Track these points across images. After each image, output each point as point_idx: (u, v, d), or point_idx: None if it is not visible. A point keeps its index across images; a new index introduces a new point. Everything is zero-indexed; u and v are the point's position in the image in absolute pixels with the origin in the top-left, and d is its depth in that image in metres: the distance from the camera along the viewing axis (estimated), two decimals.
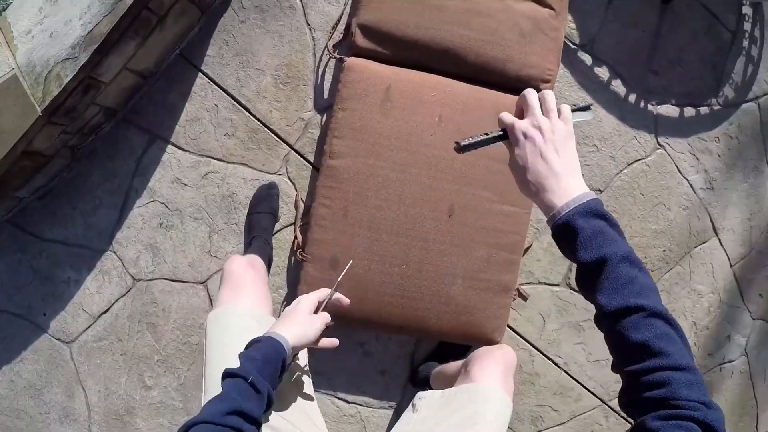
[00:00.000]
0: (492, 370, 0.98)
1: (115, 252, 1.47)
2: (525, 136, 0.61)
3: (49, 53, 1.18)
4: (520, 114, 0.65)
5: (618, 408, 1.65)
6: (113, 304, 1.48)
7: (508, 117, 0.64)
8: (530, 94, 0.63)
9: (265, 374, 0.66)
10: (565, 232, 0.58)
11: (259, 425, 0.64)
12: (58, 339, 1.48)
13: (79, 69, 1.17)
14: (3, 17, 1.25)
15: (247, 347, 0.72)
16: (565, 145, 0.61)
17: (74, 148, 1.44)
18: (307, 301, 0.80)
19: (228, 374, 0.66)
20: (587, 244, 0.56)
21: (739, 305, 1.74)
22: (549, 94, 0.63)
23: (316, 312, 0.81)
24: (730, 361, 1.76)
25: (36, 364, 1.49)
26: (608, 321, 0.55)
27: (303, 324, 0.77)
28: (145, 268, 1.47)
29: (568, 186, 0.58)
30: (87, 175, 1.45)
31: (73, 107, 1.28)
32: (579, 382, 1.60)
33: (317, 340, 0.80)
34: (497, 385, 0.94)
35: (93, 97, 1.32)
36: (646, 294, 0.54)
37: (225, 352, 0.84)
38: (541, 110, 0.62)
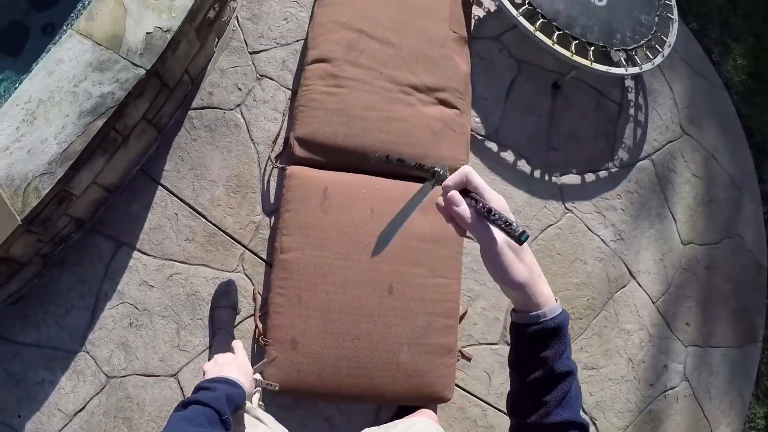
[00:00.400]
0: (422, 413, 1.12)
1: (88, 352, 1.53)
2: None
3: (27, 168, 1.30)
4: (458, 186, 0.56)
5: None
6: (88, 402, 1.52)
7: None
8: (473, 174, 0.56)
9: (227, 412, 0.74)
10: (550, 335, 0.55)
11: None
12: None
13: (56, 182, 1.30)
14: None
15: (203, 388, 0.78)
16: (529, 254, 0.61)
17: (46, 255, 1.54)
18: (240, 350, 0.94)
19: (200, 402, 0.71)
20: (565, 355, 0.55)
21: (669, 336, 1.92)
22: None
23: None
24: (673, 388, 1.92)
25: None
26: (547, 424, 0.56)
27: (246, 371, 0.90)
28: (118, 365, 1.56)
29: (546, 288, 0.56)
30: (58, 280, 1.54)
31: (48, 217, 1.39)
32: None
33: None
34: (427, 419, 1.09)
35: (65, 209, 1.44)
36: (579, 407, 0.57)
37: None
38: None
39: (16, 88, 1.42)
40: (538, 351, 0.55)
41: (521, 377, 0.58)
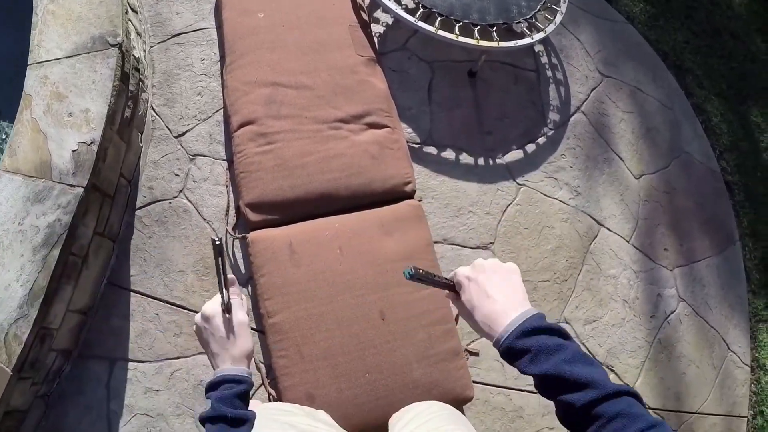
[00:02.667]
0: None
1: None
2: (469, 279, 0.67)
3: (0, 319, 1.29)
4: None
5: None
6: None
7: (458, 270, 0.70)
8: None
9: (238, 406, 0.68)
10: (512, 354, 0.61)
11: None
12: None
13: (33, 323, 1.29)
14: None
15: (213, 388, 0.71)
16: (509, 280, 0.66)
17: (45, 395, 1.52)
18: (214, 318, 0.74)
19: (208, 419, 0.66)
20: (537, 360, 0.59)
21: (652, 267, 2.00)
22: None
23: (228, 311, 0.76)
24: (673, 312, 2.00)
25: None
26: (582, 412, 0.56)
27: (241, 341, 0.74)
28: None
29: (511, 317, 0.62)
30: (65, 416, 1.52)
31: (35, 359, 1.37)
32: None
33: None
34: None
35: (50, 345, 1.43)
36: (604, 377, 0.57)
37: None
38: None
39: None
40: (521, 368, 0.61)
41: (551, 397, 0.61)
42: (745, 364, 2.11)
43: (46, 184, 1.40)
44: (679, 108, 2.28)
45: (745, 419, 2.07)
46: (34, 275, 1.34)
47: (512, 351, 0.60)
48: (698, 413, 1.96)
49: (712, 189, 2.23)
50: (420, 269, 0.66)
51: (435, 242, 1.67)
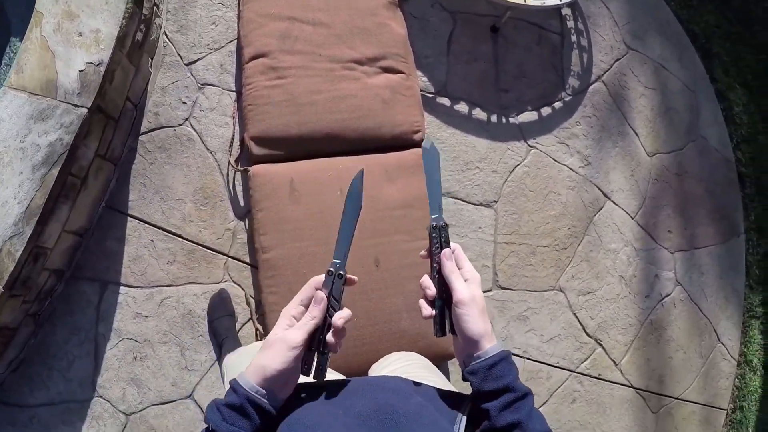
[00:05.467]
0: None
1: (101, 396, 1.54)
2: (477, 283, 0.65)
3: None
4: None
5: (588, 371, 1.84)
6: None
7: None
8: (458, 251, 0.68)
9: (230, 417, 0.59)
10: (492, 372, 0.60)
11: None
12: None
13: (27, 241, 1.28)
14: None
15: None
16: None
17: (35, 314, 1.53)
18: (284, 317, 0.65)
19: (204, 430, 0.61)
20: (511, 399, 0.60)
21: (654, 246, 1.98)
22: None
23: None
24: (668, 295, 1.99)
25: None
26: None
27: (266, 354, 0.62)
28: (133, 401, 1.57)
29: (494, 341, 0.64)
30: (53, 335, 1.54)
31: (28, 277, 1.38)
32: (543, 363, 1.78)
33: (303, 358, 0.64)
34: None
35: (42, 264, 1.43)
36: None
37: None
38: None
39: None
40: (495, 380, 0.60)
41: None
42: (732, 357, 2.11)
43: (50, 102, 1.37)
44: (702, 92, 2.21)
45: (725, 412, 2.08)
46: (31, 193, 1.32)
47: (494, 369, 0.61)
48: (679, 399, 1.98)
49: (724, 178, 2.18)
50: (436, 332, 0.66)
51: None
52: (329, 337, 0.64)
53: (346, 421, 0.59)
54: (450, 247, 0.67)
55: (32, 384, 1.53)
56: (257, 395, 0.60)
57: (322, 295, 0.65)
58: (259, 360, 0.62)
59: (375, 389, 0.67)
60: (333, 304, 0.66)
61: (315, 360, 0.64)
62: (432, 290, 0.67)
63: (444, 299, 0.66)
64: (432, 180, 0.71)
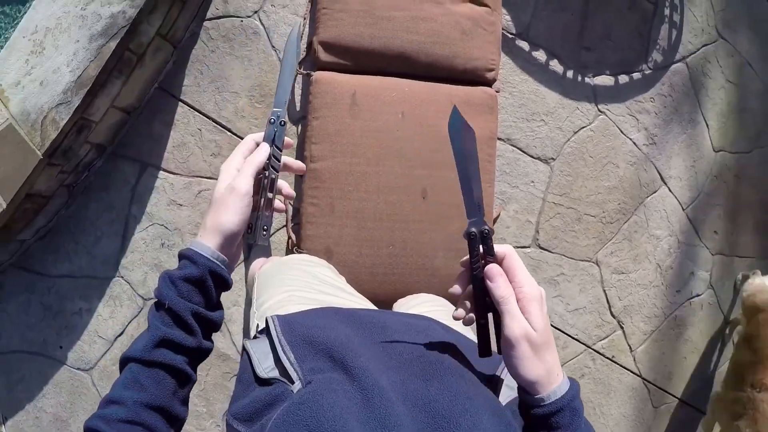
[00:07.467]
0: None
1: (122, 277, 1.55)
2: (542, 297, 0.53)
3: (41, 100, 1.27)
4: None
5: (603, 350, 1.82)
6: (127, 325, 1.55)
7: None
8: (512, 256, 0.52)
9: (187, 293, 0.54)
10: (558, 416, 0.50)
11: (193, 352, 0.55)
12: (78, 368, 1.54)
13: (74, 112, 1.27)
14: None
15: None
16: None
17: (70, 186, 1.53)
18: (225, 172, 0.58)
19: (154, 303, 0.55)
20: None
21: (697, 243, 1.92)
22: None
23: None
24: (698, 295, 1.94)
25: (59, 396, 1.54)
26: None
27: (219, 210, 0.56)
28: (153, 286, 1.57)
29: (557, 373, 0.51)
30: (85, 209, 1.54)
31: (69, 147, 1.37)
32: (562, 331, 1.76)
33: (262, 201, 0.60)
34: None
35: (86, 137, 1.42)
36: None
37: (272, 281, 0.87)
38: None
39: (20, 19, 1.36)
40: (552, 431, 0.49)
41: None
42: None
43: None
44: None
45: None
46: (85, 63, 1.28)
47: (551, 419, 0.49)
48: (681, 400, 1.96)
49: None
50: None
51: (498, 138, 1.58)
52: (282, 187, 0.61)
53: (387, 361, 0.53)
54: (495, 256, 0.52)
55: (57, 255, 1.54)
56: (218, 263, 0.55)
57: (262, 141, 0.60)
58: (212, 220, 0.55)
59: (417, 333, 0.61)
60: (276, 154, 0.60)
61: (256, 221, 0.60)
62: (462, 312, 0.54)
63: (486, 312, 0.53)
64: (467, 170, 0.53)
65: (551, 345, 0.50)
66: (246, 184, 0.56)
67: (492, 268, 0.51)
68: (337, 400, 0.44)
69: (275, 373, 0.52)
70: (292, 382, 0.49)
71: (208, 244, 0.55)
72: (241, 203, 0.55)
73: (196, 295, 0.54)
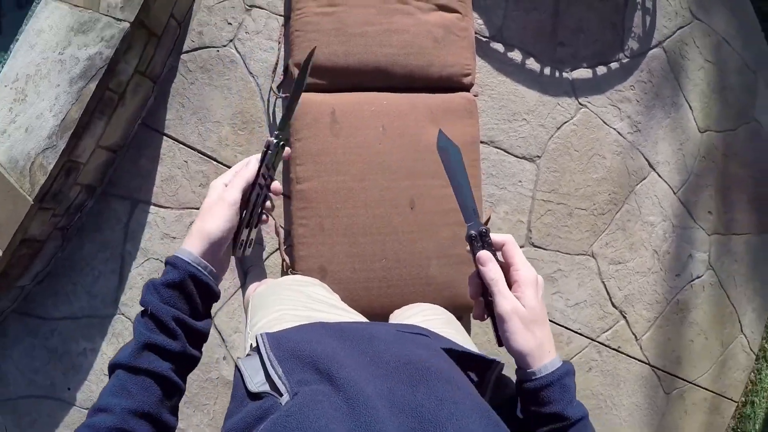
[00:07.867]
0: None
1: (123, 314, 1.55)
2: (538, 284, 0.58)
3: (28, 147, 1.28)
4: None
5: (608, 342, 1.81)
6: None
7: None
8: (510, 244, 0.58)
9: (169, 298, 0.55)
10: (552, 389, 0.53)
11: (178, 358, 0.55)
12: (88, 408, 1.53)
13: (60, 155, 1.28)
14: None
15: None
16: None
17: (64, 228, 1.54)
18: (214, 187, 0.60)
19: (140, 311, 0.56)
20: (574, 402, 0.54)
21: (692, 226, 1.91)
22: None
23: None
24: (699, 277, 1.93)
25: None
26: None
27: (205, 218, 0.58)
28: None
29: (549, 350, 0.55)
30: (80, 250, 1.54)
31: (59, 191, 1.38)
32: (565, 327, 1.76)
33: (246, 220, 0.61)
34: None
35: (75, 179, 1.43)
36: None
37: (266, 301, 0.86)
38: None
39: (1, 68, 1.38)
40: (543, 406, 0.53)
41: None
42: (752, 350, 2.06)
43: (92, 15, 1.33)
44: (763, 74, 2.09)
45: (735, 404, 2.05)
46: (67, 107, 1.30)
47: (541, 393, 0.53)
48: (692, 383, 1.95)
49: None
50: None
51: (481, 142, 1.59)
52: (268, 201, 0.62)
53: (373, 371, 0.54)
54: (494, 248, 0.57)
55: (56, 298, 1.55)
56: (200, 268, 0.56)
57: (252, 158, 0.61)
58: (197, 226, 0.57)
59: (404, 341, 0.62)
60: (265, 173, 0.61)
61: (243, 235, 0.61)
62: (479, 311, 0.60)
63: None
64: (459, 183, 0.59)
65: (543, 323, 0.55)
66: (233, 195, 0.58)
67: (482, 254, 0.56)
68: (323, 410, 0.44)
69: (266, 387, 0.53)
70: (281, 395, 0.50)
71: (190, 249, 0.56)
72: (228, 211, 0.57)
73: (179, 301, 0.55)
